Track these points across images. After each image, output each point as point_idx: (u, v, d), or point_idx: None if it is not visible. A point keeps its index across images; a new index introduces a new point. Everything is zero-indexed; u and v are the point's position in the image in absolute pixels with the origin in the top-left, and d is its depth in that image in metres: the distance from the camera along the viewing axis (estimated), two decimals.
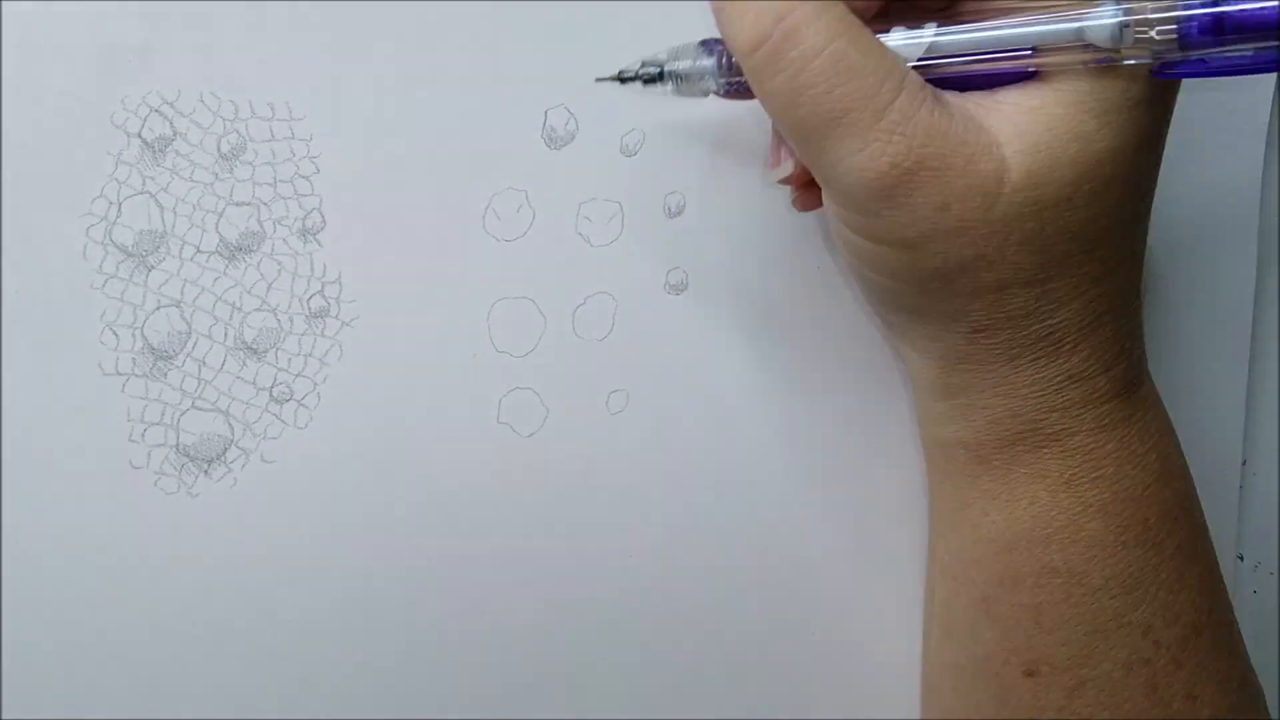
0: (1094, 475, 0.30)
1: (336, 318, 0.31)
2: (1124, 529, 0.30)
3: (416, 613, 0.32)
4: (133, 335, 0.29)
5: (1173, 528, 0.30)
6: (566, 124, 0.32)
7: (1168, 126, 0.29)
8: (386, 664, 0.33)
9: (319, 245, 0.30)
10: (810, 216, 0.33)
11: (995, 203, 0.27)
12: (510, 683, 0.34)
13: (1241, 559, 0.41)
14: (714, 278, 0.33)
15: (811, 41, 0.26)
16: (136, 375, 0.29)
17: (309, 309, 0.31)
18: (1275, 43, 0.23)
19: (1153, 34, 0.24)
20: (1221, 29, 0.23)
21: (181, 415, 0.30)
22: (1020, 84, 0.27)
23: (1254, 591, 0.41)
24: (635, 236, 0.33)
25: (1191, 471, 0.32)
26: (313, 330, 0.31)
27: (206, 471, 0.30)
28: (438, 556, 0.32)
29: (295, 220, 0.30)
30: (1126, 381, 0.30)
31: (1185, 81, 0.27)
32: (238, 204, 0.30)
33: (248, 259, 0.30)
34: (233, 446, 0.31)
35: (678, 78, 0.29)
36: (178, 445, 0.30)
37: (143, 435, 0.30)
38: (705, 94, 0.30)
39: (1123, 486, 0.30)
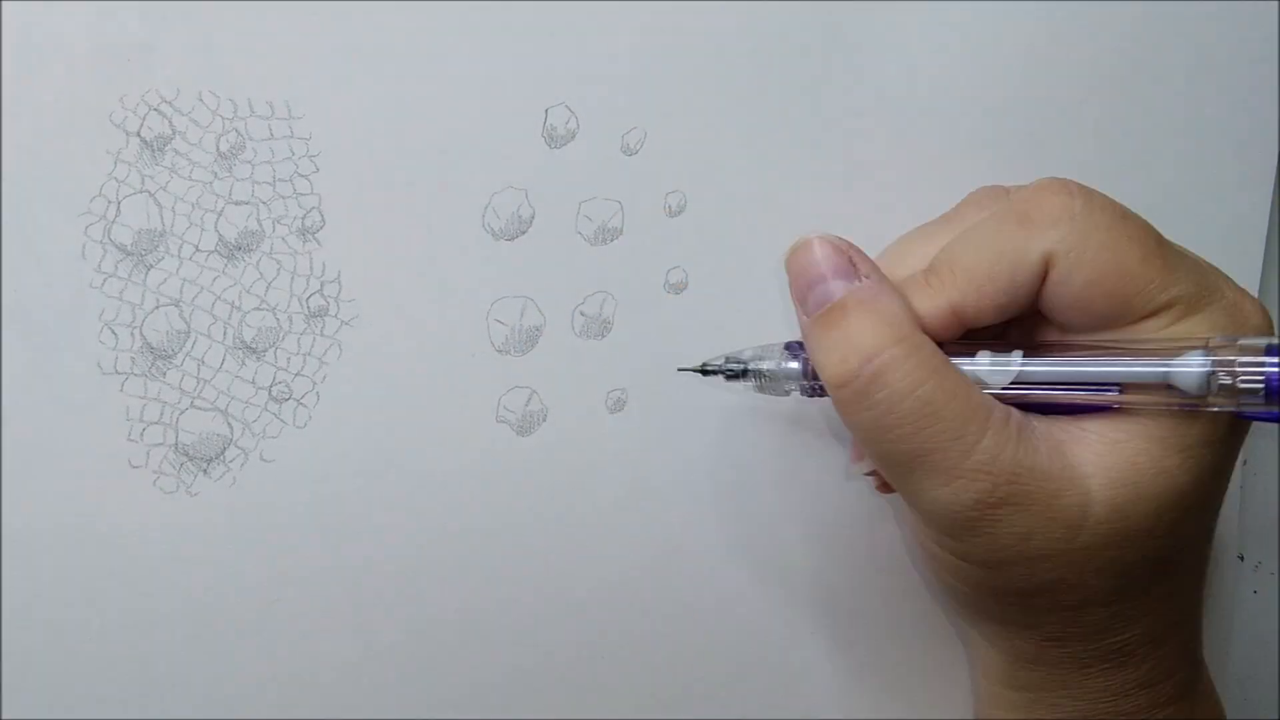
0: None
1: (336, 317, 0.31)
2: None
3: (415, 612, 0.32)
4: (131, 334, 0.29)
5: None
6: (567, 123, 0.31)
7: (1239, 450, 0.29)
8: (385, 663, 0.32)
9: (318, 244, 0.30)
10: (810, 215, 0.33)
11: (1079, 534, 0.27)
12: (509, 682, 0.34)
13: (1242, 559, 0.41)
14: (714, 278, 0.33)
15: (899, 384, 0.26)
16: (135, 374, 0.29)
17: (308, 308, 0.30)
18: None
19: (1237, 384, 0.24)
20: None
21: (180, 414, 0.30)
22: (1104, 414, 0.27)
23: (1254, 592, 0.41)
24: (635, 236, 0.33)
25: None
26: (312, 329, 0.31)
27: (206, 470, 0.30)
28: (436, 556, 0.32)
29: (294, 219, 0.30)
30: (1189, 683, 0.30)
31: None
32: (237, 203, 0.30)
33: (247, 258, 0.30)
34: (232, 445, 0.30)
35: (761, 376, 0.30)
36: (177, 444, 0.30)
37: (142, 434, 0.30)
38: (787, 394, 0.30)
39: None
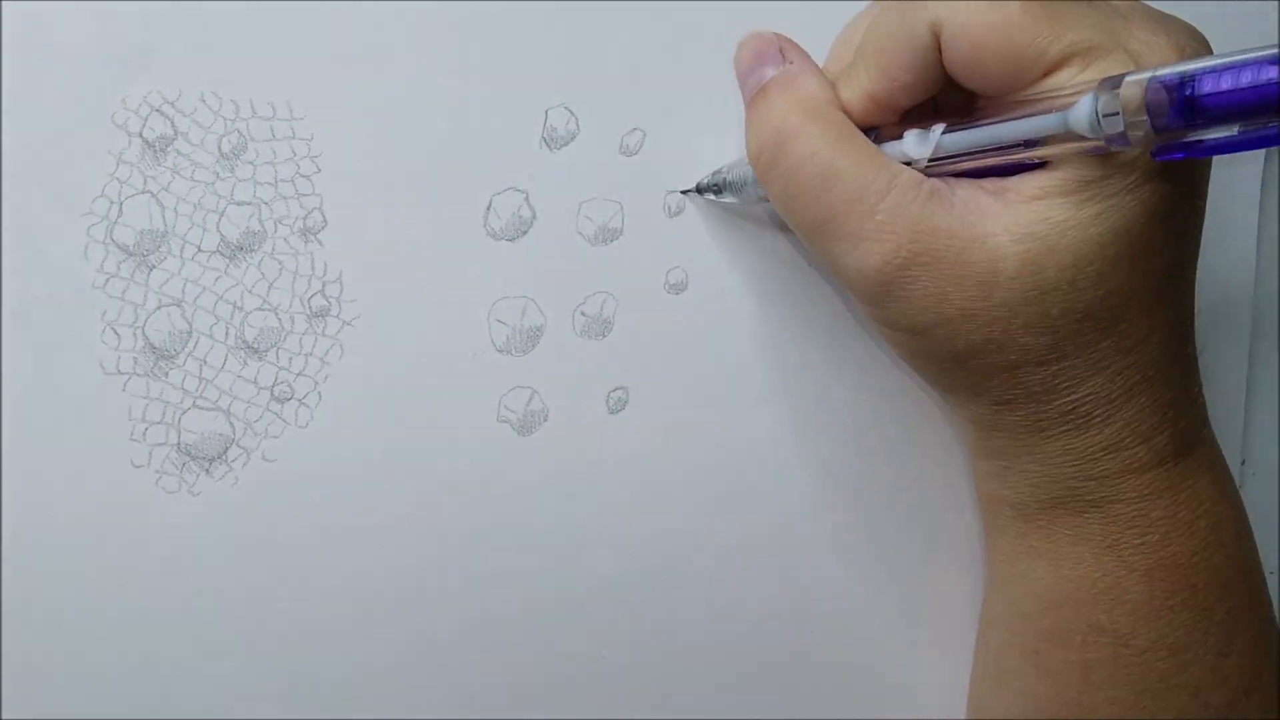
0: (1138, 541, 0.29)
1: (337, 317, 0.31)
2: (1170, 594, 0.29)
3: (416, 612, 0.33)
4: (134, 334, 0.29)
5: (1223, 593, 0.30)
6: (567, 124, 0.32)
7: (1196, 198, 0.28)
8: (386, 663, 0.33)
9: (320, 244, 0.30)
10: None
11: (993, 290, 0.27)
12: (510, 682, 0.34)
13: None
14: (714, 278, 0.33)
15: (799, 151, 0.28)
16: (138, 374, 0.29)
17: (310, 308, 0.31)
18: (1253, 124, 0.23)
19: (1128, 120, 0.24)
20: (1192, 114, 0.23)
21: (183, 414, 0.30)
22: (1030, 172, 0.27)
23: None
24: (635, 236, 0.33)
25: None
26: (314, 329, 0.31)
27: (208, 470, 0.30)
28: (437, 555, 0.32)
29: (296, 219, 0.30)
30: (1172, 450, 0.29)
31: None
32: (239, 203, 0.30)
33: (249, 258, 0.30)
34: (234, 445, 0.31)
35: (731, 186, 0.31)
36: (179, 444, 0.30)
37: (144, 434, 0.30)
38: (757, 200, 0.31)
39: (1169, 553, 0.29)
